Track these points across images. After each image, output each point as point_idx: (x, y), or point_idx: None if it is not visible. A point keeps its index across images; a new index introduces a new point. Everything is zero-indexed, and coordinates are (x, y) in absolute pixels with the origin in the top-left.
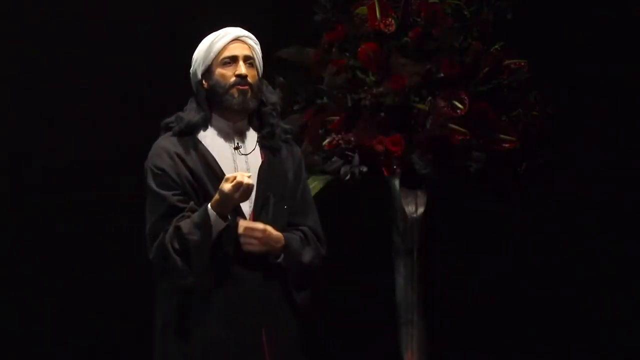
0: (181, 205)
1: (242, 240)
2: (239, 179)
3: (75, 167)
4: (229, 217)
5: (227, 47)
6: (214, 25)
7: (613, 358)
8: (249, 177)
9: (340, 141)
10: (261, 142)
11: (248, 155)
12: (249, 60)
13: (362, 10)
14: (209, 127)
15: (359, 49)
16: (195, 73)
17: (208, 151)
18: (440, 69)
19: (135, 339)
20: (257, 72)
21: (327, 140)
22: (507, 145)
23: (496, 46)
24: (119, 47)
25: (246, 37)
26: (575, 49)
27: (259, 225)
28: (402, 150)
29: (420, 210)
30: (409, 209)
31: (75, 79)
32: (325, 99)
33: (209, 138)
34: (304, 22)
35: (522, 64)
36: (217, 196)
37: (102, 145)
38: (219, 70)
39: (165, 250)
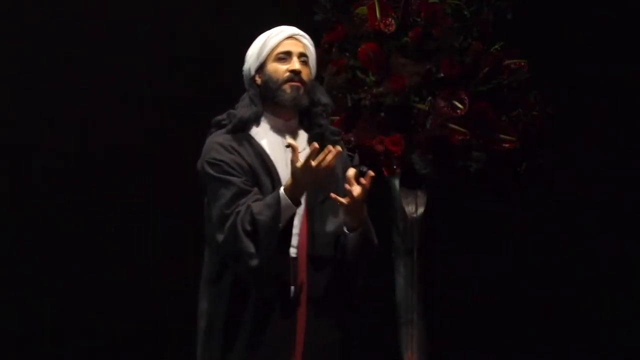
0: (247, 187)
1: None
2: (310, 162)
3: (75, 167)
4: (301, 201)
5: (282, 43)
6: (215, 24)
7: (613, 358)
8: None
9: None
10: (310, 142)
11: (299, 154)
12: (303, 57)
13: (362, 10)
14: (261, 123)
15: (359, 49)
16: (248, 69)
17: (264, 150)
18: (440, 69)
19: (135, 339)
20: (311, 71)
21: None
22: (507, 145)
23: (496, 46)
24: (119, 47)
25: (301, 35)
26: (575, 49)
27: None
28: (402, 150)
29: (420, 210)
30: (409, 209)
31: (76, 77)
32: None
33: (261, 135)
34: (304, 22)
35: (522, 64)
36: (289, 179)
37: (104, 144)
38: (273, 65)
39: (235, 230)
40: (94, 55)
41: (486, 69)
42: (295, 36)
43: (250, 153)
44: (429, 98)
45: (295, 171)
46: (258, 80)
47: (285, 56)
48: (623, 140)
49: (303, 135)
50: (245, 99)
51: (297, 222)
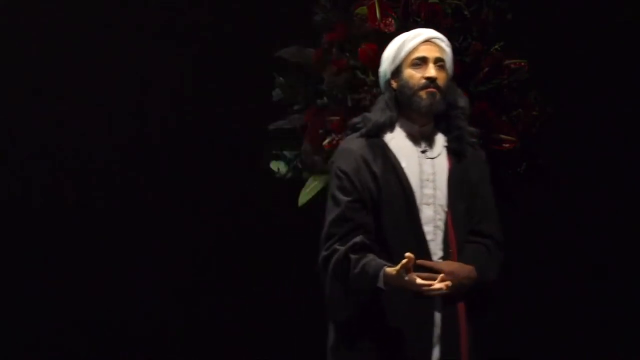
0: (354, 212)
1: (427, 287)
2: (424, 287)
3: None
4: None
5: (418, 48)
6: (215, 25)
7: (613, 358)
8: (440, 284)
9: (340, 141)
10: (449, 145)
11: (434, 160)
12: (439, 62)
13: (362, 10)
14: (396, 129)
15: (359, 49)
16: (384, 73)
17: (394, 155)
18: None
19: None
20: (447, 74)
21: (327, 140)
22: (507, 145)
23: (496, 46)
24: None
25: (438, 39)
26: (575, 49)
27: (445, 268)
28: None
29: None
30: None
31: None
32: (325, 99)
33: (395, 141)
34: (304, 22)
35: (522, 64)
36: (395, 273)
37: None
38: (408, 71)
39: (329, 273)
40: (97, 55)
41: (486, 69)
42: (432, 40)
43: (379, 163)
44: None
45: (404, 278)
46: (394, 84)
47: (421, 62)
48: (623, 140)
49: (439, 139)
50: (380, 102)
51: (429, 228)
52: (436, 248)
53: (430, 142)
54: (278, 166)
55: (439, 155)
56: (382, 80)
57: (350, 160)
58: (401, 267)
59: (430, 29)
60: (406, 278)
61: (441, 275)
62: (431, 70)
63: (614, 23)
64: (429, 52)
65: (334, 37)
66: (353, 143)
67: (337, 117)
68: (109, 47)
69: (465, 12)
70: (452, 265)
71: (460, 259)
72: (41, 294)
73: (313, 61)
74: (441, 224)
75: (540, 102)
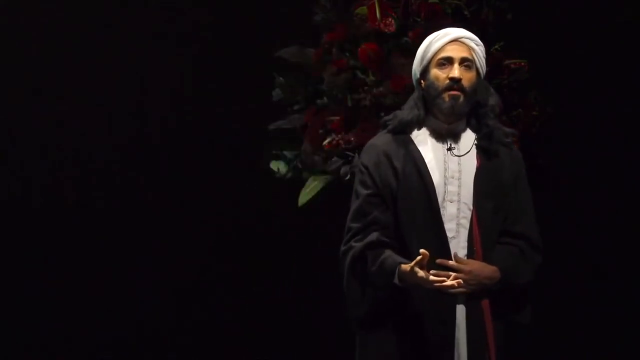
0: (372, 206)
1: (446, 284)
2: (437, 283)
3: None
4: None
5: (445, 47)
6: (215, 25)
7: (613, 358)
8: (452, 282)
9: (340, 141)
10: (478, 143)
11: (461, 158)
12: (466, 62)
13: (362, 10)
14: (423, 126)
15: (359, 49)
16: (414, 71)
17: (418, 151)
18: None
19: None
20: (478, 73)
21: (327, 140)
22: None
23: (496, 46)
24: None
25: (467, 38)
26: (575, 49)
27: (465, 267)
28: None
29: None
30: None
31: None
32: (325, 99)
33: (422, 137)
34: (304, 22)
35: (522, 64)
36: (408, 269)
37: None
38: (434, 71)
39: (345, 265)
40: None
41: (486, 69)
42: (460, 39)
43: (402, 158)
44: None
45: (415, 273)
46: (422, 83)
47: (446, 62)
48: (623, 140)
49: (469, 137)
50: (410, 101)
51: (452, 225)
52: (459, 246)
53: (458, 140)
54: (278, 166)
55: (467, 153)
56: (413, 79)
57: (372, 155)
58: (415, 264)
59: (461, 29)
60: (420, 275)
61: (454, 274)
62: (455, 71)
63: (614, 23)
64: (455, 52)
65: (334, 37)
66: (379, 139)
67: (337, 117)
68: (109, 47)
69: (465, 12)
70: (473, 265)
71: (486, 258)
72: (41, 294)
73: (313, 61)
74: (465, 222)
75: (540, 102)
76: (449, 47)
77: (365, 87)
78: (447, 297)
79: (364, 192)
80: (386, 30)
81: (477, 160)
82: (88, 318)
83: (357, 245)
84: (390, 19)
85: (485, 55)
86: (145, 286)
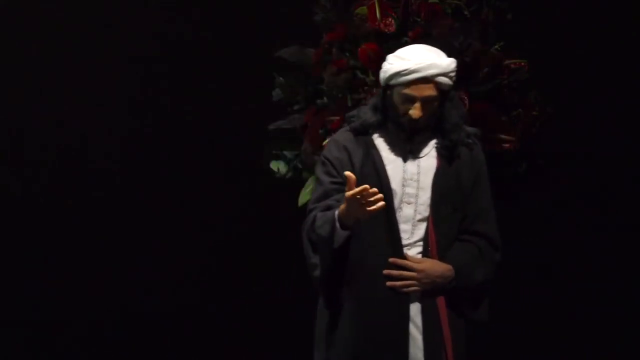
0: (334, 191)
1: (397, 283)
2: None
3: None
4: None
5: (409, 85)
6: (215, 25)
7: (613, 358)
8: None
9: None
10: (439, 146)
11: (421, 159)
12: (428, 99)
13: (362, 10)
14: (385, 127)
15: (359, 49)
16: (382, 78)
17: (378, 153)
18: None
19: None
20: (436, 103)
21: (327, 140)
22: (507, 145)
23: (496, 46)
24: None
25: (433, 75)
26: (575, 49)
27: (417, 266)
28: None
29: None
30: None
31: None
32: (325, 99)
33: (382, 139)
34: (304, 22)
35: (522, 64)
36: (343, 205)
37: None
38: (397, 99)
39: (304, 236)
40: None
41: (486, 69)
42: (428, 77)
43: (361, 153)
44: None
45: (346, 199)
46: (387, 91)
47: (409, 98)
48: (623, 140)
49: (430, 138)
50: (373, 101)
51: (407, 227)
52: (414, 247)
53: (418, 142)
54: (278, 166)
55: (426, 155)
56: (380, 80)
57: (334, 150)
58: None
59: (431, 59)
60: (348, 194)
61: (406, 272)
62: (415, 111)
63: (614, 23)
64: (419, 91)
65: (334, 37)
66: (341, 136)
67: (337, 117)
68: (109, 47)
69: (465, 12)
70: (425, 263)
71: (442, 257)
72: (41, 294)
73: (313, 61)
74: (422, 224)
75: (540, 102)
76: (414, 86)
77: (365, 87)
78: (400, 297)
79: (327, 179)
80: (386, 30)
81: (437, 161)
82: (88, 318)
83: (317, 211)
84: (390, 19)
85: (456, 68)
86: (145, 286)
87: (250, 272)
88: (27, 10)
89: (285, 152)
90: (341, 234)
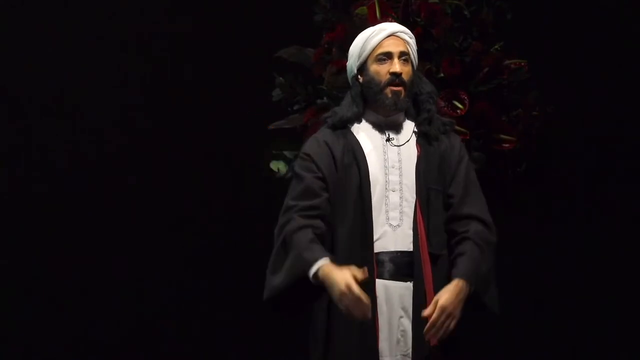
0: (316, 188)
1: (439, 333)
2: (356, 297)
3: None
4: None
5: (382, 43)
6: (215, 25)
7: (613, 358)
8: (366, 300)
9: None
10: (418, 130)
11: (401, 147)
12: (404, 56)
13: (362, 10)
14: (363, 120)
15: None
16: (351, 67)
17: (358, 143)
18: (440, 69)
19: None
20: (412, 67)
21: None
22: (507, 145)
23: (496, 46)
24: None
25: (402, 32)
26: (575, 49)
27: (437, 311)
28: None
29: None
30: None
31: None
32: (325, 99)
33: (361, 130)
34: (304, 22)
35: (522, 64)
36: (330, 277)
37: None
38: (374, 67)
39: (276, 233)
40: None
41: (486, 69)
42: (396, 34)
43: (341, 146)
44: None
45: (337, 286)
46: (360, 79)
47: (385, 57)
48: (623, 140)
49: (408, 127)
50: (348, 97)
51: (395, 214)
52: (404, 234)
53: (397, 130)
54: (278, 166)
55: (406, 142)
56: (349, 75)
57: (314, 146)
58: (359, 280)
59: (394, 23)
60: (356, 293)
61: (430, 326)
62: (396, 66)
63: (614, 23)
64: (394, 47)
65: (334, 37)
66: (320, 133)
67: None
68: (109, 47)
69: (465, 12)
70: (441, 301)
71: (432, 244)
72: (41, 294)
73: (313, 61)
74: (409, 210)
75: (540, 102)
76: (387, 43)
77: None
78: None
79: (308, 174)
80: None
81: (418, 148)
82: (88, 318)
83: (299, 219)
84: (390, 19)
85: (416, 47)
86: (145, 286)
87: (250, 272)
88: (27, 10)
89: (285, 152)
90: (313, 282)
